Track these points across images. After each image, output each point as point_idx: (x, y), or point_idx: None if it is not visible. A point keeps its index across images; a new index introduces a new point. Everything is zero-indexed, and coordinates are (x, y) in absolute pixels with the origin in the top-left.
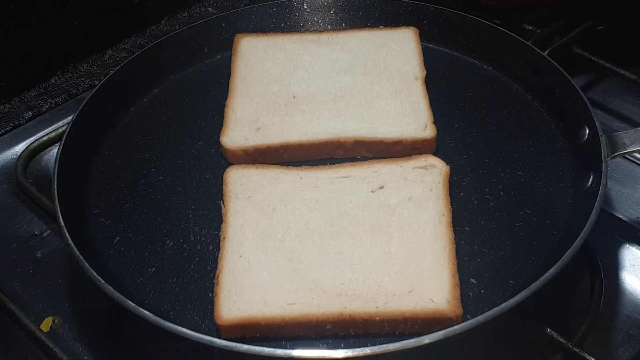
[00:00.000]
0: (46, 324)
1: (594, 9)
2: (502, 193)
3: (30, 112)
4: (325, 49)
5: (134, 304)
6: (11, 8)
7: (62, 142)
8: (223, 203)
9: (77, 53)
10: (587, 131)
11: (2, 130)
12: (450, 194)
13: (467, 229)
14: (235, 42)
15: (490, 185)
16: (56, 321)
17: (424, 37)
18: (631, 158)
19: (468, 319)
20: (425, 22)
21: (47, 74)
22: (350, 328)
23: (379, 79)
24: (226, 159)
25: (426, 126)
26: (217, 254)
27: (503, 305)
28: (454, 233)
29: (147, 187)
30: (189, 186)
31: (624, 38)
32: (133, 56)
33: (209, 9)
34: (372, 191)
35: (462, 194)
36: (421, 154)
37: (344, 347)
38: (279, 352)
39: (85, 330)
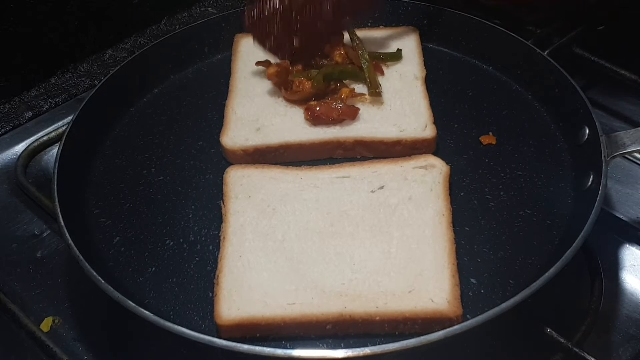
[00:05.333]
0: (46, 324)
1: (594, 9)
2: (502, 193)
3: (30, 112)
4: None
5: (134, 304)
6: (11, 8)
7: (62, 142)
8: (223, 203)
9: (77, 53)
10: (587, 131)
11: (2, 130)
12: (450, 194)
13: (467, 229)
14: (235, 42)
15: (490, 185)
16: (56, 321)
17: (424, 37)
18: (631, 158)
19: (468, 319)
20: (425, 22)
21: (47, 74)
22: (350, 328)
23: (379, 79)
24: (226, 159)
25: (426, 126)
26: (217, 254)
27: (503, 305)
28: (454, 233)
29: (147, 187)
30: (189, 186)
31: (624, 38)
32: (133, 56)
33: (209, 9)
34: (372, 191)
35: (462, 194)
36: (421, 154)
37: (344, 347)
38: (279, 352)
39: (85, 330)
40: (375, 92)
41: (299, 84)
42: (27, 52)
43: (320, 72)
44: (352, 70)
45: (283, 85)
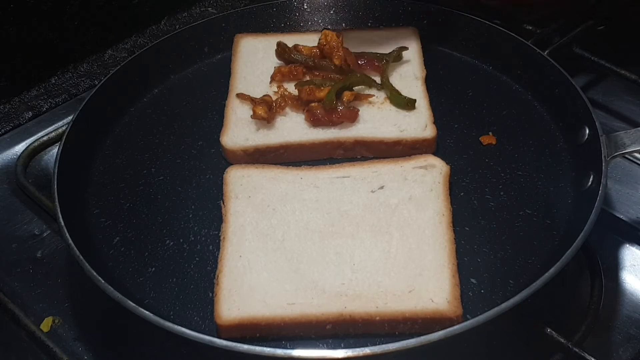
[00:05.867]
0: (46, 324)
1: (594, 9)
2: (502, 193)
3: (30, 112)
4: None
5: (134, 304)
6: (11, 8)
7: (62, 142)
8: (223, 203)
9: (77, 53)
10: (587, 131)
11: (2, 130)
12: (450, 194)
13: (467, 229)
14: (235, 42)
15: (490, 185)
16: (56, 321)
17: (424, 37)
18: (631, 158)
19: (468, 319)
20: (425, 22)
21: (47, 74)
22: (350, 328)
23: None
24: (226, 159)
25: (426, 126)
26: (217, 254)
27: (503, 305)
28: (454, 233)
29: (147, 187)
30: (189, 186)
31: (624, 38)
32: (133, 56)
33: (209, 9)
34: (372, 191)
35: (462, 194)
36: (421, 154)
37: (344, 347)
38: (279, 352)
39: (85, 330)
40: (410, 104)
41: (310, 92)
42: (27, 52)
43: (332, 89)
44: (362, 79)
45: (268, 120)
